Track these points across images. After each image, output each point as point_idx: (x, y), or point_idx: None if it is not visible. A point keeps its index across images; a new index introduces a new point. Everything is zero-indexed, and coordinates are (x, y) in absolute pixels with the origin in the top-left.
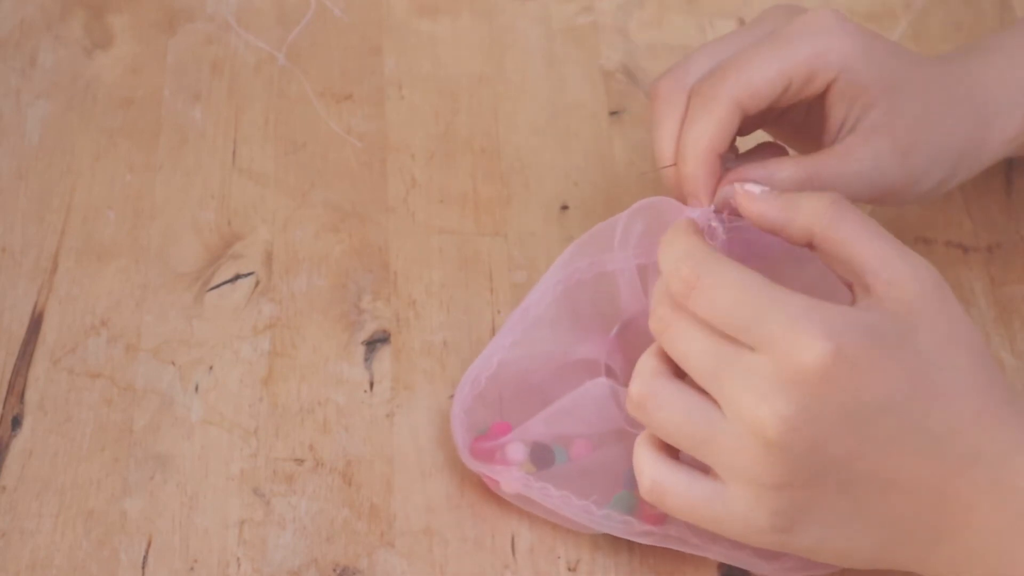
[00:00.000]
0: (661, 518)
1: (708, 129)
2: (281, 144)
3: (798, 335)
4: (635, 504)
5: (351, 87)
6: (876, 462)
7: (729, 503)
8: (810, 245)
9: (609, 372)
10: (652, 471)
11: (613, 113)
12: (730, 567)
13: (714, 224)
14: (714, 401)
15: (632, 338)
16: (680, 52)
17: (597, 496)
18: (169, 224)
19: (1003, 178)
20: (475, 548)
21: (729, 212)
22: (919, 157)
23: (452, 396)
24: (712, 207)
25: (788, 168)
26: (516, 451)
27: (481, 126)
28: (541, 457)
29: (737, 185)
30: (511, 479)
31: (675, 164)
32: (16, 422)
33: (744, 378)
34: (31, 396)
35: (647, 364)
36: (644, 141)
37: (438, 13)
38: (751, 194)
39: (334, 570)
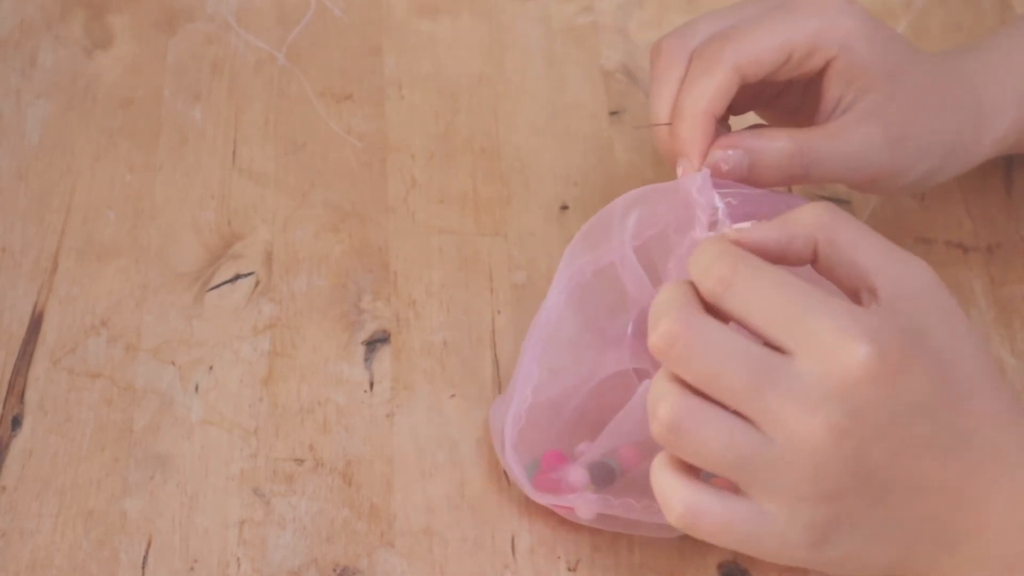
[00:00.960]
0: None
1: (707, 91)
2: (281, 144)
3: (842, 339)
4: None
5: (351, 87)
6: (909, 467)
7: (767, 521)
8: (813, 260)
9: (640, 375)
10: (684, 495)
11: (613, 113)
12: (730, 566)
13: (710, 199)
14: (746, 419)
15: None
16: None
17: None
18: (169, 224)
19: (1003, 178)
20: (475, 548)
21: (715, 179)
22: (909, 147)
23: (453, 395)
24: (707, 175)
25: (782, 139)
26: (578, 476)
27: (481, 126)
28: (601, 476)
29: (729, 229)
30: (587, 503)
31: (670, 123)
32: (16, 422)
33: (788, 388)
34: (31, 396)
35: (670, 387)
36: (644, 141)
37: (438, 13)
38: (745, 230)
39: (334, 570)
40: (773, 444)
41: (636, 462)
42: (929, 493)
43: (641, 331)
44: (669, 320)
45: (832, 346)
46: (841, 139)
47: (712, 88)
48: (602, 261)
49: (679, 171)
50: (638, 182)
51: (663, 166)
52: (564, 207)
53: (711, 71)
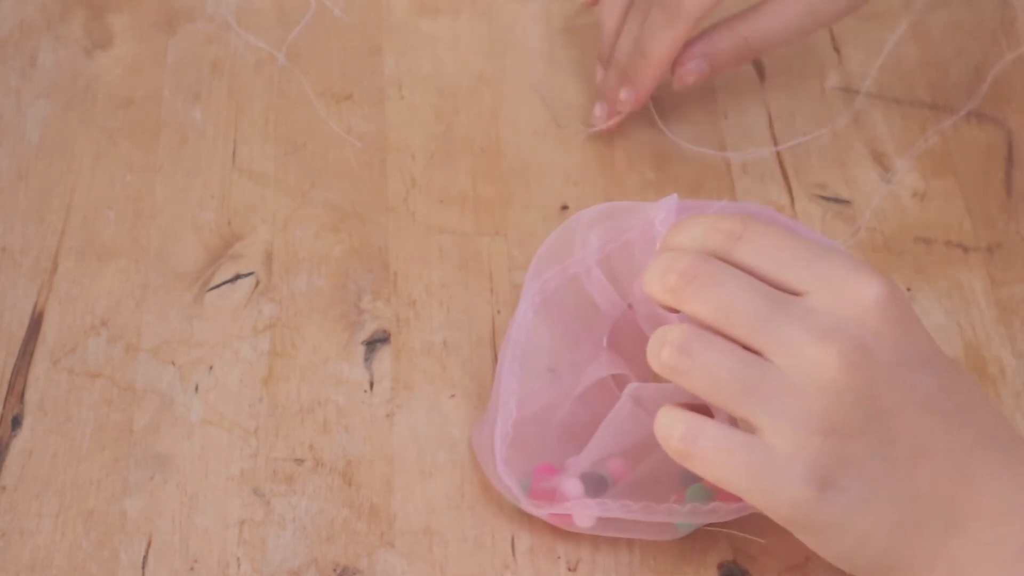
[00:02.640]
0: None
1: (669, 43)
2: (281, 144)
3: (857, 273)
4: (710, 492)
5: (351, 87)
6: (913, 421)
7: (769, 453)
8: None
9: (620, 382)
10: (686, 418)
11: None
12: (730, 566)
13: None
14: (757, 354)
15: (623, 340)
16: None
17: (673, 498)
18: (169, 224)
19: (1003, 178)
20: (475, 548)
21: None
22: None
23: (453, 395)
24: (672, 203)
25: (728, 38)
26: (572, 487)
27: (481, 126)
28: (594, 485)
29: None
30: (585, 508)
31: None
32: (16, 422)
33: (803, 319)
34: (31, 396)
35: (679, 325)
36: (644, 141)
37: (438, 13)
38: None
39: (334, 570)
40: (783, 373)
41: (625, 472)
42: (933, 455)
43: (618, 340)
44: (688, 259)
45: (846, 279)
46: (780, 16)
47: (673, 42)
48: (567, 273)
49: (622, 95)
50: (638, 182)
51: (662, 167)
52: (564, 207)
53: (672, 24)
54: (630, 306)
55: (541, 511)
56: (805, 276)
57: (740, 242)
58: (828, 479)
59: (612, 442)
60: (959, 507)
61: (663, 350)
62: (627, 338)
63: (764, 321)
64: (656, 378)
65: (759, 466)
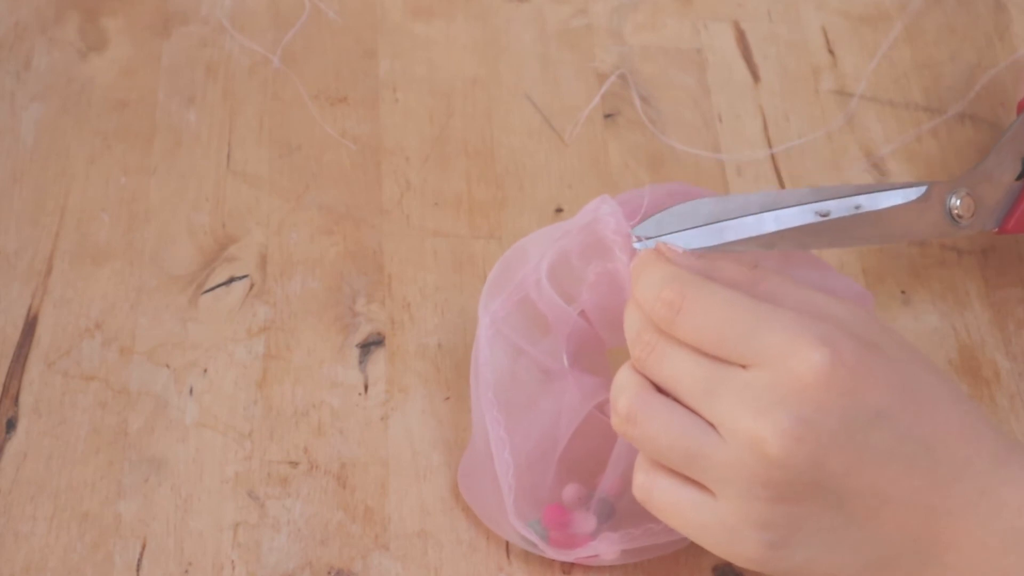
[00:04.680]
0: None
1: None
2: (275, 147)
3: (795, 346)
4: None
5: (345, 90)
6: (871, 476)
7: (719, 513)
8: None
9: (604, 409)
10: (644, 469)
11: (607, 116)
12: (724, 569)
13: (625, 232)
14: (706, 421)
15: (584, 353)
16: (674, 55)
17: None
18: (163, 227)
19: None
20: (470, 551)
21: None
22: None
23: (448, 398)
24: (616, 208)
25: None
26: (588, 522)
27: (475, 129)
28: (604, 513)
29: (659, 244)
30: (610, 544)
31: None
32: (11, 425)
33: (741, 394)
34: (25, 399)
35: (631, 379)
36: (638, 144)
37: (432, 16)
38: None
39: (328, 573)
40: (726, 444)
41: (621, 488)
42: (895, 505)
43: (578, 357)
44: (640, 329)
45: (784, 353)
46: None
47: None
48: (513, 299)
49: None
50: (631, 184)
51: (657, 169)
52: (559, 210)
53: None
54: (582, 313)
55: (568, 557)
56: (744, 351)
57: (679, 316)
58: (781, 540)
59: (619, 469)
60: (932, 542)
61: (613, 416)
62: (587, 348)
63: (704, 395)
64: None
65: (710, 525)
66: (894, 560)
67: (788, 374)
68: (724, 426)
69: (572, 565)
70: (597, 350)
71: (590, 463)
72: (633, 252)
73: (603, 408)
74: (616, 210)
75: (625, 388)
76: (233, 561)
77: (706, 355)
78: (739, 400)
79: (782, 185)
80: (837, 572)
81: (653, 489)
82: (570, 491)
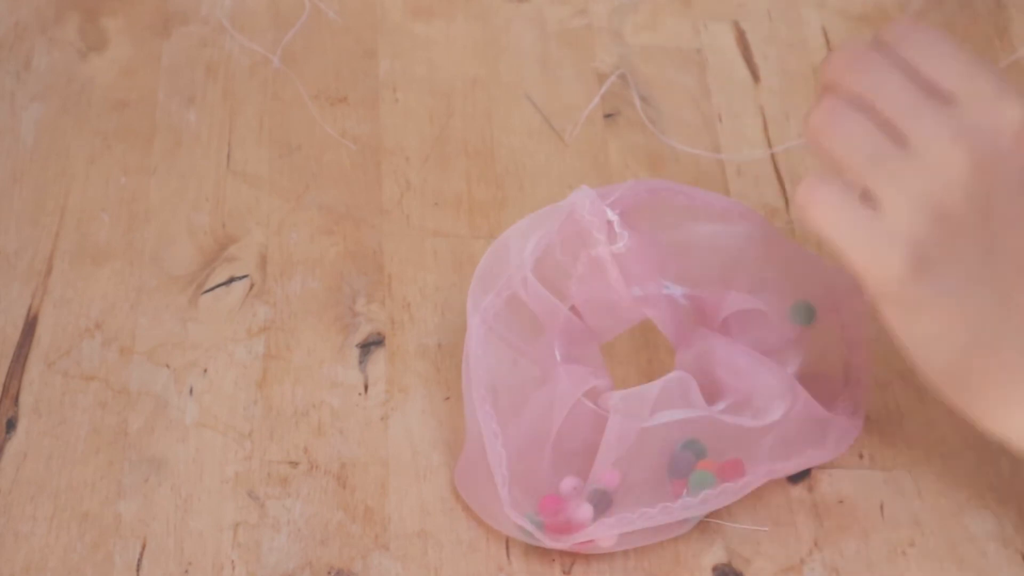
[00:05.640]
0: (740, 471)
1: None
2: (275, 147)
3: (1004, 94)
4: (711, 475)
5: (345, 90)
6: (1022, 243)
7: (879, 225)
8: None
9: (592, 396)
10: (811, 178)
11: (607, 116)
12: (724, 568)
13: (602, 215)
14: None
15: (575, 347)
16: (675, 55)
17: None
18: (163, 227)
19: None
20: (470, 551)
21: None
22: None
23: (448, 398)
24: (592, 193)
25: None
26: (583, 510)
27: (475, 129)
28: (600, 503)
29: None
30: (607, 529)
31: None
32: (11, 425)
33: (948, 115)
34: (25, 399)
35: (830, 96)
36: (638, 144)
37: (432, 16)
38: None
39: (328, 573)
40: (916, 155)
41: (617, 480)
42: None
43: (569, 352)
44: (847, 52)
45: (995, 96)
46: None
47: None
48: (503, 296)
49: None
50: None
51: (657, 169)
52: None
53: None
54: (572, 308)
55: (563, 543)
56: (958, 83)
57: (905, 40)
58: (926, 262)
59: (610, 458)
60: None
61: (813, 112)
62: (579, 344)
63: (911, 107)
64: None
65: (865, 228)
66: (1008, 338)
67: (994, 113)
68: (921, 140)
69: (572, 564)
70: (589, 345)
71: (585, 456)
72: (611, 232)
73: (592, 395)
74: (590, 193)
75: (826, 97)
76: (233, 561)
77: (915, 83)
78: (944, 119)
79: (782, 185)
80: (954, 324)
81: (818, 190)
82: (567, 484)
